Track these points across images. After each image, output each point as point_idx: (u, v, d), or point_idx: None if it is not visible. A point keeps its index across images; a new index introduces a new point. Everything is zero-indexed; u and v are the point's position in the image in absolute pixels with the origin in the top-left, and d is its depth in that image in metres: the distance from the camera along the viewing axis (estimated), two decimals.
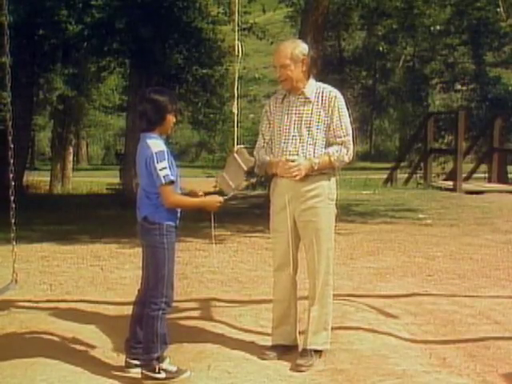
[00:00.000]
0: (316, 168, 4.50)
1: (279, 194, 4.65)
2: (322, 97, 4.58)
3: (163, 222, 4.24)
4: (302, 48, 4.62)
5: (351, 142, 4.61)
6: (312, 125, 4.56)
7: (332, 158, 4.52)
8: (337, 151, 4.54)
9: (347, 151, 4.57)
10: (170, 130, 4.42)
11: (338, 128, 4.56)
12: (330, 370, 4.43)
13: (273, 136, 4.69)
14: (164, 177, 4.14)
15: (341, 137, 4.56)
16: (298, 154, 4.54)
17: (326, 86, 4.68)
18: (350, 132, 4.61)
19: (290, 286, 4.72)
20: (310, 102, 4.58)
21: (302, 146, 4.55)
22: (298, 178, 4.49)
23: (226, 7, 17.42)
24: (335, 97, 4.58)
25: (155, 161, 4.15)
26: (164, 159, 4.16)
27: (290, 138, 4.59)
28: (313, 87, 4.63)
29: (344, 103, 4.63)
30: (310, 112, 4.57)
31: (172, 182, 4.18)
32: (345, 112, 4.60)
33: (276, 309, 4.79)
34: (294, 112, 4.61)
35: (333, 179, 4.64)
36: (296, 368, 4.46)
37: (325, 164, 4.53)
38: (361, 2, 22.73)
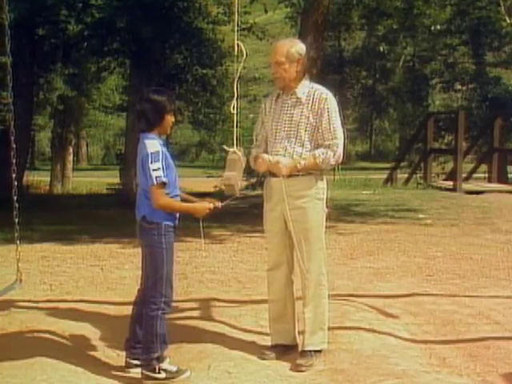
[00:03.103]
0: (300, 168, 4.50)
1: (270, 195, 4.68)
2: (313, 98, 4.58)
3: (162, 221, 4.24)
4: (298, 47, 4.62)
5: (339, 145, 4.56)
6: (300, 126, 4.56)
7: (317, 160, 4.52)
8: (323, 153, 4.52)
9: (334, 154, 4.54)
10: (169, 130, 4.42)
11: (327, 130, 4.54)
12: (329, 370, 4.43)
13: (267, 135, 4.70)
14: (156, 178, 4.14)
15: (329, 139, 4.54)
16: (284, 155, 4.55)
17: (318, 87, 4.67)
18: (339, 135, 4.57)
19: (284, 285, 4.72)
20: (301, 102, 4.59)
21: (290, 146, 4.57)
22: (280, 174, 4.48)
23: (225, 7, 17.44)
24: (325, 98, 4.57)
25: (149, 161, 4.16)
26: (158, 160, 4.17)
27: (279, 137, 4.60)
28: (306, 88, 4.62)
29: (335, 105, 4.60)
30: (299, 113, 4.58)
31: (164, 184, 4.18)
32: (335, 114, 4.58)
33: (272, 309, 4.80)
34: (284, 112, 4.63)
35: (321, 179, 4.63)
36: (296, 368, 4.46)
37: (310, 165, 4.52)
38: (361, 2, 22.71)
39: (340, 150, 4.57)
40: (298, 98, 4.60)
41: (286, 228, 4.62)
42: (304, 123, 4.56)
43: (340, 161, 4.60)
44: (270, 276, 4.76)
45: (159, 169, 4.16)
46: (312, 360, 4.53)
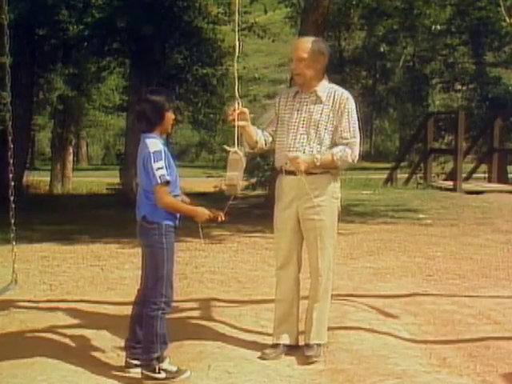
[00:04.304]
0: (318, 164, 4.50)
1: (284, 193, 4.67)
2: (334, 98, 4.59)
3: (162, 221, 4.24)
4: (322, 46, 4.66)
5: (357, 145, 4.62)
6: (320, 124, 4.58)
7: (335, 157, 4.54)
8: (340, 151, 4.55)
9: (352, 152, 4.58)
10: (170, 128, 4.43)
11: (346, 130, 4.58)
12: (329, 370, 4.43)
13: (280, 131, 4.70)
14: (160, 177, 4.15)
15: (347, 138, 4.58)
16: (303, 151, 4.56)
17: (338, 87, 4.69)
18: (357, 135, 4.62)
19: (293, 285, 4.73)
20: (322, 101, 4.59)
21: (309, 144, 4.57)
22: (297, 170, 4.47)
23: (226, 7, 17.44)
24: (347, 99, 4.60)
25: (152, 160, 4.17)
26: (161, 159, 4.17)
27: (298, 135, 4.60)
28: (325, 87, 4.64)
29: (354, 106, 4.63)
30: (320, 111, 4.59)
31: (167, 183, 4.18)
32: (354, 115, 4.62)
33: (278, 308, 4.79)
34: (304, 110, 4.63)
35: (338, 178, 4.67)
36: (306, 360, 4.53)
37: (327, 162, 4.54)
38: (361, 2, 22.70)
39: (357, 150, 4.61)
40: (318, 96, 4.60)
41: (298, 226, 4.63)
42: (324, 122, 4.57)
43: (356, 160, 4.62)
44: (279, 275, 4.77)
45: (162, 167, 4.16)
46: (320, 351, 4.60)
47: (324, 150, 4.55)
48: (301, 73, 4.61)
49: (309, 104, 4.62)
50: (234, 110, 4.48)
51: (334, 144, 4.59)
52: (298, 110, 4.64)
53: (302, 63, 4.58)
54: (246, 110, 4.53)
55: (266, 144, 4.73)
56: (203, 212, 4.34)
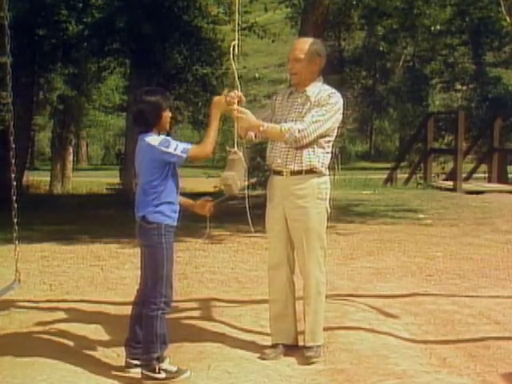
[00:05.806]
0: (263, 129, 4.47)
1: (273, 192, 4.69)
2: (320, 97, 4.57)
3: (161, 221, 4.24)
4: (319, 47, 4.66)
5: (309, 129, 4.45)
6: None
7: (282, 128, 4.48)
8: (290, 125, 4.48)
9: (299, 130, 4.44)
10: (167, 127, 4.42)
11: (309, 115, 4.50)
12: (329, 370, 4.43)
13: None
14: (182, 152, 4.15)
15: (303, 120, 4.49)
16: (288, 151, 4.55)
17: (329, 88, 4.66)
18: (315, 126, 4.47)
19: (285, 285, 4.72)
20: (310, 101, 4.59)
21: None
22: (239, 121, 4.44)
23: (226, 7, 17.46)
24: (328, 96, 4.57)
25: (164, 149, 4.16)
26: (170, 142, 4.17)
27: None
28: (317, 88, 4.62)
29: (336, 105, 4.57)
30: (307, 112, 4.57)
31: (188, 148, 4.17)
32: (327, 113, 4.51)
33: (272, 308, 4.79)
34: (294, 110, 4.64)
35: (324, 178, 4.61)
36: (307, 361, 4.52)
37: (274, 131, 4.50)
38: (361, 2, 22.70)
39: (307, 133, 4.46)
40: (307, 96, 4.60)
41: (288, 227, 4.62)
42: None
43: (305, 142, 4.48)
44: (271, 275, 4.76)
45: (177, 145, 4.16)
46: (319, 351, 4.59)
47: (309, 149, 4.51)
48: (297, 72, 4.63)
49: (299, 104, 4.63)
50: (234, 98, 4.43)
51: (319, 145, 4.55)
52: (289, 110, 4.65)
53: (298, 63, 4.60)
54: (241, 94, 4.49)
55: (255, 136, 4.70)
56: (219, 99, 4.34)
